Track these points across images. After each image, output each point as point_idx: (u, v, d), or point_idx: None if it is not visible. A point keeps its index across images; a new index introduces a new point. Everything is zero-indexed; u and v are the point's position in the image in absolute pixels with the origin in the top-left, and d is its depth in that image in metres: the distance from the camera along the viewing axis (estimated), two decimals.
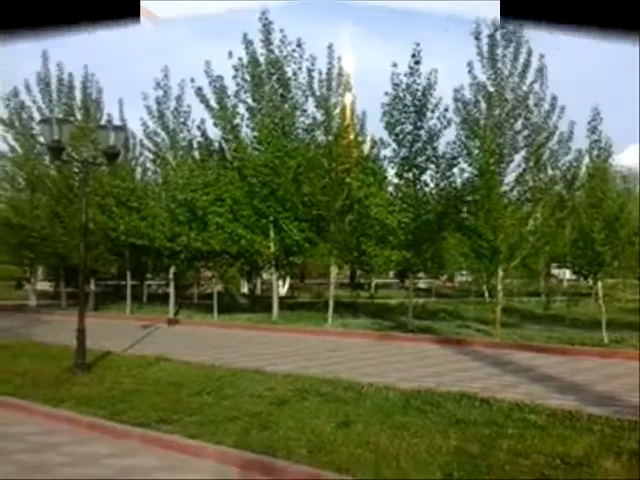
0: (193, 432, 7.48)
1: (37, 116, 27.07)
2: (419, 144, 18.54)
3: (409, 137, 18.56)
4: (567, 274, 36.43)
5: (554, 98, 17.51)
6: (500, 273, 17.42)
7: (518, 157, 17.55)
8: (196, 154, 25.15)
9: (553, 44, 15.79)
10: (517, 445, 6.62)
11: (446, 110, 18.16)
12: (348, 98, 23.23)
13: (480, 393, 9.15)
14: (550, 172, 17.89)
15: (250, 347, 16.19)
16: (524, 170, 17.47)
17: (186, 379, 10.66)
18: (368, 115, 24.17)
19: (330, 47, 21.35)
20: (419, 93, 18.29)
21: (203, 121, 23.55)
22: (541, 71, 17.26)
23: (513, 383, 10.78)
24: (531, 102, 17.36)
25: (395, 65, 18.20)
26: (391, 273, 47.25)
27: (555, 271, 35.04)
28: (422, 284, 42.69)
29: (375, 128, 22.24)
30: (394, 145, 18.85)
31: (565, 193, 18.24)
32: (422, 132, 18.51)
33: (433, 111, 18.38)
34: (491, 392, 9.39)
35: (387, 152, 19.53)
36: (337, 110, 22.05)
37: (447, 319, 21.89)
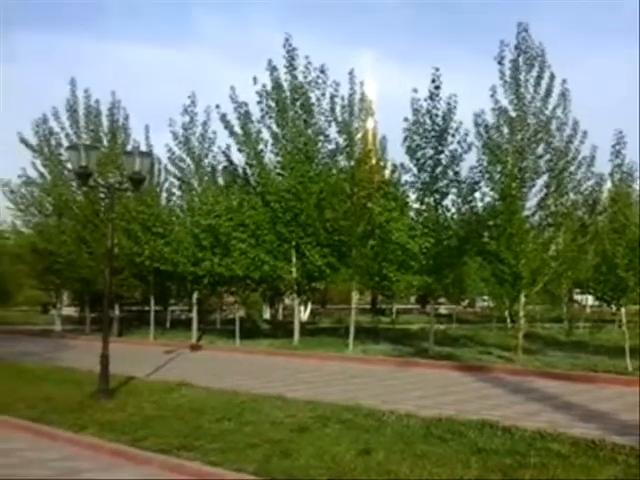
0: (214, 459, 7.51)
1: (65, 142, 27.65)
2: (440, 169, 18.62)
3: (430, 162, 18.67)
4: (590, 300, 35.99)
5: (576, 122, 17.47)
6: (522, 299, 17.31)
7: (540, 181, 17.51)
8: (220, 180, 25.41)
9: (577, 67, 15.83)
10: (540, 475, 6.56)
11: (466, 134, 18.26)
12: (370, 123, 23.35)
13: (502, 421, 9.07)
14: (572, 197, 17.78)
15: (271, 373, 16.22)
16: (546, 195, 17.41)
17: (207, 405, 10.71)
18: (389, 140, 24.30)
19: (351, 72, 21.50)
20: (439, 118, 18.42)
21: (229, 147, 23.81)
22: (564, 96, 17.27)
23: (535, 411, 10.68)
24: (553, 126, 17.35)
25: (415, 91, 18.42)
26: (412, 298, 47.13)
27: (578, 297, 34.64)
28: (443, 309, 42.42)
29: (396, 153, 22.37)
30: (415, 170, 18.96)
31: (587, 218, 18.10)
32: (443, 157, 18.61)
33: (453, 135, 18.48)
34: (513, 420, 9.30)
35: (408, 177, 19.65)
36: (359, 135, 22.15)
37: (468, 345, 21.74)
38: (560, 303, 30.36)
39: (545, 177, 17.46)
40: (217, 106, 22.86)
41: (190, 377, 13.85)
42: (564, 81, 17.22)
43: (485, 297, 39.30)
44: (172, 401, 11.26)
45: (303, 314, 34.99)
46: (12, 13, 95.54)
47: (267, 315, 38.92)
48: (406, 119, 18.59)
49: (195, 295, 26.72)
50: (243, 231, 21.94)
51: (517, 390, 12.97)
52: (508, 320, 25.97)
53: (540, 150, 17.40)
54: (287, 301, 37.17)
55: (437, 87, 18.34)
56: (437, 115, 18.41)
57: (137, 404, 11.00)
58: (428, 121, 18.47)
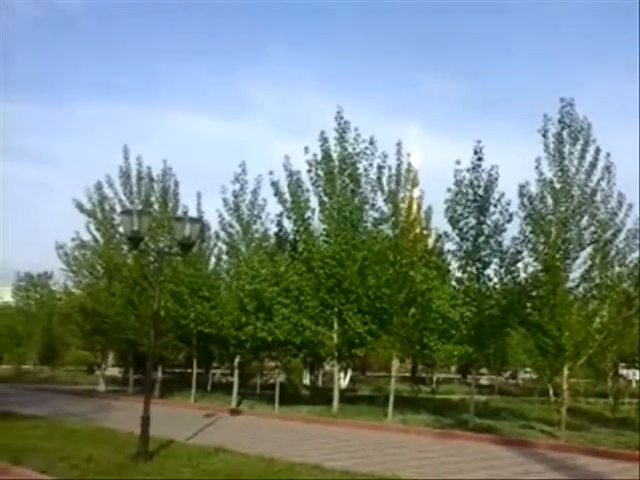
0: None
1: (118, 207, 28.68)
2: (482, 238, 18.68)
3: (472, 231, 18.76)
4: (636, 375, 34.91)
5: (621, 195, 17.48)
6: (565, 372, 17.04)
7: (584, 253, 17.45)
8: (269, 246, 25.74)
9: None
10: None
11: (508, 204, 18.36)
12: (416, 193, 23.63)
13: None
14: (617, 269, 17.62)
15: (309, 441, 16.13)
16: (590, 266, 17.30)
17: (244, 472, 10.71)
18: (435, 209, 24.43)
19: (399, 144, 21.88)
20: (481, 189, 18.61)
21: (281, 214, 24.25)
22: (608, 169, 17.33)
23: None
24: (598, 198, 17.39)
25: (458, 162, 18.71)
26: (453, 368, 46.35)
27: (623, 371, 33.61)
28: (484, 380, 41.55)
29: (441, 222, 22.54)
30: (457, 239, 19.06)
31: (633, 290, 17.86)
32: (485, 226, 18.70)
33: (495, 205, 18.59)
34: None
35: (451, 246, 19.74)
36: (404, 204, 22.39)
37: (510, 418, 21.28)
38: (605, 377, 29.51)
39: (589, 249, 17.40)
40: (270, 172, 23.43)
41: (228, 442, 13.89)
42: (608, 154, 17.38)
43: (527, 369, 38.46)
44: (209, 466, 11.29)
45: (343, 381, 34.68)
46: (67, 85, 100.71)
47: (307, 381, 38.73)
48: (449, 190, 18.87)
49: (237, 359, 26.88)
50: (287, 296, 22.23)
51: (559, 467, 12.64)
52: (551, 393, 25.29)
53: (584, 222, 17.41)
54: (327, 367, 36.99)
55: (479, 159, 18.62)
56: (479, 186, 18.60)
57: (175, 468, 11.06)
58: (470, 192, 18.68)
